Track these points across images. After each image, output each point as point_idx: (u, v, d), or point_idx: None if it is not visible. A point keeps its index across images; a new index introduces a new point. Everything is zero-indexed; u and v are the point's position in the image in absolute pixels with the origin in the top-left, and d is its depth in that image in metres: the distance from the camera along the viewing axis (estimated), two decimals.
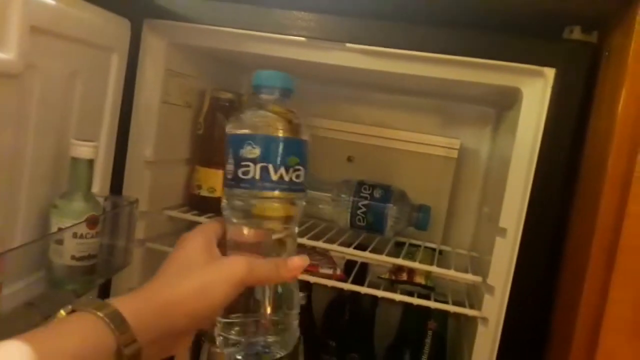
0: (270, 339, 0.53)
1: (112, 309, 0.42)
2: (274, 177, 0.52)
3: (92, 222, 0.69)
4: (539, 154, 0.78)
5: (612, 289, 0.63)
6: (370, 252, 0.98)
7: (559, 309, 0.78)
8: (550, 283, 0.80)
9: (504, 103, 1.04)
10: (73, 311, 0.43)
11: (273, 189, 0.52)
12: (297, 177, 0.53)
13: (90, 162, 0.71)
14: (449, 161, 1.17)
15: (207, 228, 0.54)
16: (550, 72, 0.77)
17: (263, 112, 0.55)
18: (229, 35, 0.87)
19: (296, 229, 0.57)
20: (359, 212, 1.06)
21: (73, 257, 0.70)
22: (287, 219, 0.55)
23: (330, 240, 1.00)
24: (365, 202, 1.06)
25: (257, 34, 0.85)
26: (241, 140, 0.53)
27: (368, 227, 1.07)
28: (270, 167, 0.52)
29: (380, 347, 1.14)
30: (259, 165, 0.52)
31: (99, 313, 0.41)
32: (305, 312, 1.03)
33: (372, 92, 1.23)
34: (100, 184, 0.84)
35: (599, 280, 0.65)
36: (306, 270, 0.98)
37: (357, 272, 1.04)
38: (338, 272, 0.99)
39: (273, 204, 0.53)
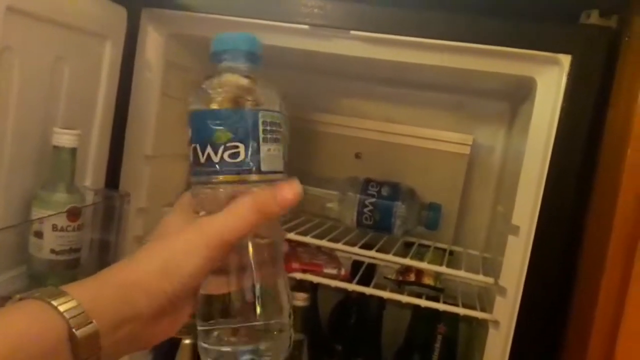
0: (262, 346, 0.46)
1: (61, 293, 0.39)
2: (202, 159, 0.44)
3: (73, 214, 0.66)
4: (553, 145, 0.74)
5: (630, 289, 0.59)
6: (376, 251, 0.94)
7: (575, 311, 0.74)
8: (565, 284, 0.76)
9: (519, 96, 1.00)
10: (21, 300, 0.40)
11: (200, 174, 0.44)
12: (232, 156, 0.43)
13: (73, 151, 0.68)
14: (461, 158, 1.13)
15: (184, 200, 0.49)
16: (566, 59, 0.73)
17: (205, 84, 0.46)
18: (230, 24, 0.84)
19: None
20: (365, 210, 1.03)
21: (53, 251, 0.67)
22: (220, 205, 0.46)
23: (336, 240, 0.96)
24: (372, 200, 1.03)
25: (258, 22, 0.82)
26: (186, 120, 0.46)
27: (375, 226, 1.03)
28: (198, 147, 0.44)
29: (388, 352, 1.10)
30: (191, 147, 0.45)
31: (46, 298, 0.38)
32: (310, 314, 1.00)
33: (381, 86, 1.18)
34: (93, 177, 0.81)
35: (616, 280, 0.61)
36: (310, 271, 0.96)
37: (364, 273, 1.00)
38: (343, 272, 0.95)
39: (202, 189, 0.45)
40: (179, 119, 1.00)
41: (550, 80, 0.75)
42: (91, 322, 0.38)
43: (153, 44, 0.88)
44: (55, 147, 0.68)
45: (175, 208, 0.49)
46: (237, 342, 0.46)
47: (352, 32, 0.79)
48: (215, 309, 0.46)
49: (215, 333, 0.47)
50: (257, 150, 0.44)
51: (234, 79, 0.46)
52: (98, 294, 0.41)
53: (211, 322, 0.46)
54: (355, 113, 1.19)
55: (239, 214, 0.43)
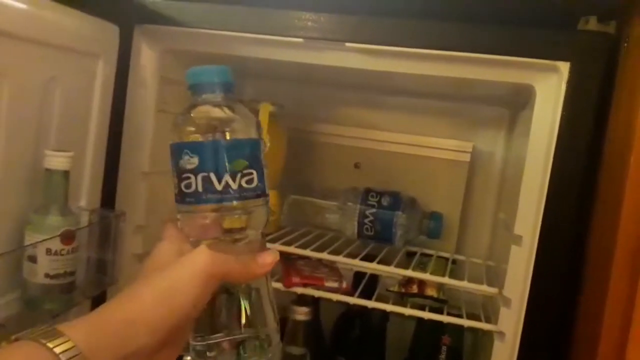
0: None
1: (57, 334, 0.38)
2: (219, 187, 0.46)
3: (67, 237, 0.65)
4: (554, 154, 0.73)
5: (638, 297, 0.58)
6: (378, 263, 0.93)
7: (581, 321, 0.73)
8: (570, 294, 0.75)
9: (518, 103, 0.99)
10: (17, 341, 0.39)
11: (219, 201, 0.46)
12: (249, 182, 0.47)
13: (66, 174, 0.67)
14: (461, 165, 1.12)
15: (176, 229, 0.49)
16: (564, 67, 0.72)
17: (198, 114, 0.48)
18: (224, 38, 0.83)
19: (260, 235, 0.51)
20: (366, 221, 1.02)
21: (47, 275, 0.66)
22: (241, 229, 0.49)
23: (337, 252, 0.95)
24: (373, 210, 1.02)
25: (252, 36, 0.82)
26: (178, 150, 0.47)
27: (376, 237, 1.02)
28: (213, 176, 0.46)
29: None
30: (200, 176, 0.46)
31: (42, 340, 0.37)
32: (312, 327, 0.99)
33: (379, 95, 1.18)
34: (88, 197, 0.80)
35: (623, 289, 0.60)
36: (311, 285, 0.94)
37: (366, 284, 0.99)
38: (344, 285, 0.94)
39: (220, 215, 0.47)
40: None
41: (549, 87, 0.73)
42: None
43: (147, 61, 0.88)
44: (48, 170, 0.67)
45: (166, 238, 0.48)
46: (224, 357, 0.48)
47: (347, 44, 0.79)
48: (204, 323, 0.47)
49: (205, 348, 0.48)
50: (262, 174, 0.48)
51: (226, 111, 0.49)
52: (97, 332, 0.40)
53: (201, 335, 0.48)
54: (354, 123, 1.18)
55: (230, 258, 0.46)
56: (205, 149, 0.46)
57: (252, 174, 0.47)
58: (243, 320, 0.49)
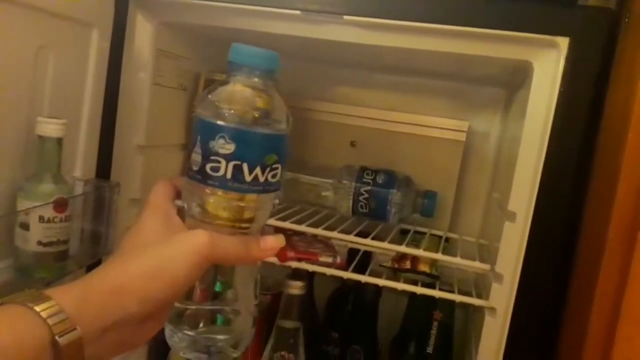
0: (213, 335, 0.48)
1: (44, 298, 0.38)
2: (248, 178, 0.45)
3: (59, 205, 0.64)
4: (551, 131, 0.72)
5: (630, 277, 0.58)
6: (372, 239, 0.93)
7: (573, 298, 0.73)
8: (563, 271, 0.75)
9: (515, 82, 0.98)
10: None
11: (245, 191, 0.45)
12: (274, 176, 0.47)
13: (59, 141, 0.67)
14: (457, 145, 1.11)
15: (161, 197, 0.48)
16: (563, 42, 0.71)
17: (241, 99, 0.47)
18: (220, 10, 0.82)
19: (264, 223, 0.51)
20: (361, 198, 1.02)
21: (40, 243, 0.66)
22: (251, 220, 0.48)
23: (331, 228, 0.95)
24: (368, 187, 1.02)
25: (249, 7, 0.80)
26: (213, 130, 0.45)
27: (371, 214, 1.03)
28: (245, 166, 0.45)
29: (385, 339, 1.10)
30: (231, 164, 0.44)
31: (29, 304, 0.37)
32: (307, 302, 0.99)
33: (376, 73, 1.17)
34: (83, 167, 0.80)
35: (616, 267, 0.60)
36: (305, 259, 0.95)
37: (360, 260, 0.99)
38: (338, 260, 0.94)
39: (239, 204, 0.46)
40: (173, 109, 1.00)
41: (548, 64, 0.73)
42: (75, 329, 0.37)
43: (142, 33, 0.86)
44: (40, 137, 0.67)
45: (150, 208, 0.47)
46: (194, 327, 0.48)
47: (346, 17, 0.78)
48: None
49: (176, 312, 0.48)
50: (283, 169, 0.48)
51: (268, 100, 0.47)
52: (85, 298, 0.40)
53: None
54: (350, 101, 1.17)
55: (231, 242, 0.45)
56: (244, 138, 0.45)
57: (277, 168, 0.47)
58: (212, 293, 0.49)
